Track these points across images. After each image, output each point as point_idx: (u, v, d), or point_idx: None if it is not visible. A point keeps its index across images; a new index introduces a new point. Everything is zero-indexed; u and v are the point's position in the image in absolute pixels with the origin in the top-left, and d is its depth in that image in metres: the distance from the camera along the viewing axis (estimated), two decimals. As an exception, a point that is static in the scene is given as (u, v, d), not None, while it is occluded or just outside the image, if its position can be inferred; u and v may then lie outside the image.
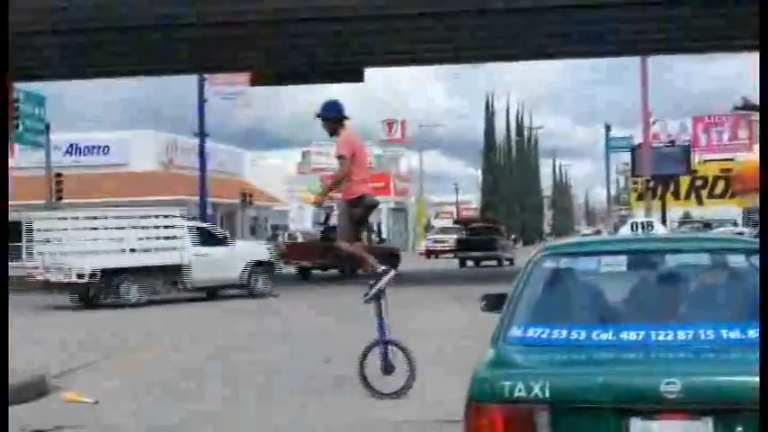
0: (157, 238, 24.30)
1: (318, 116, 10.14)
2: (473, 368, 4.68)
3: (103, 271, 23.02)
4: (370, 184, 10.58)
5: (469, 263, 45.23)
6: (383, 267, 9.98)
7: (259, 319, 20.36)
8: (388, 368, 9.89)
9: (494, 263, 44.76)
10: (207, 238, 25.56)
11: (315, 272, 36.11)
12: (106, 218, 24.62)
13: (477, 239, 45.37)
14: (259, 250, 27.47)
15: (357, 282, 30.41)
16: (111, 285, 23.27)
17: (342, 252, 10.21)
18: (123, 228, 24.11)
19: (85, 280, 22.94)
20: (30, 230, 24.54)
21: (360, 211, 10.04)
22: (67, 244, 23.60)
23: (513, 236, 55.36)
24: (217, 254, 24.99)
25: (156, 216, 25.22)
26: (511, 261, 44.54)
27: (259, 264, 25.96)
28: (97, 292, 23.43)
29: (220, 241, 26.06)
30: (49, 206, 43.11)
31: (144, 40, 27.21)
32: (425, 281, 33.88)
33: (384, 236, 49.75)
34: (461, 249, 46.10)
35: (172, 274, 24.00)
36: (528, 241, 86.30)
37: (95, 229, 23.92)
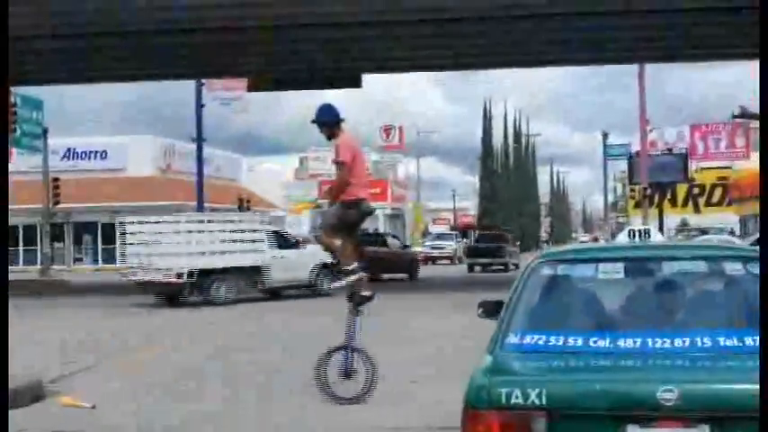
0: (242, 241, 25.98)
1: (314, 121, 10.04)
2: (470, 374, 4.69)
3: (200, 271, 24.49)
4: (368, 189, 10.53)
5: (476, 267, 46.92)
6: (355, 267, 9.93)
7: (259, 319, 20.43)
8: (348, 373, 9.79)
9: (500, 267, 45.95)
10: (282, 242, 27.49)
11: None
12: (200, 222, 26.68)
13: (486, 247, 47.56)
14: (324, 253, 28.20)
15: (385, 285, 30.67)
16: (204, 285, 24.67)
17: (333, 248, 10.12)
18: (213, 231, 25.75)
19: (184, 279, 24.27)
20: (123, 233, 26.28)
21: (354, 214, 9.98)
22: (166, 246, 24.94)
23: (518, 242, 56.97)
24: (290, 256, 26.87)
25: (241, 221, 27.57)
26: (516, 266, 45.23)
27: (325, 265, 26.96)
28: (190, 290, 24.74)
29: (293, 245, 27.99)
30: (46, 211, 43.19)
31: (143, 44, 27.25)
32: (430, 286, 33.87)
33: (407, 243, 50.24)
34: (472, 256, 48.07)
35: (253, 274, 25.77)
36: (525, 248, 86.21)
37: (190, 232, 25.45)
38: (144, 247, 25.12)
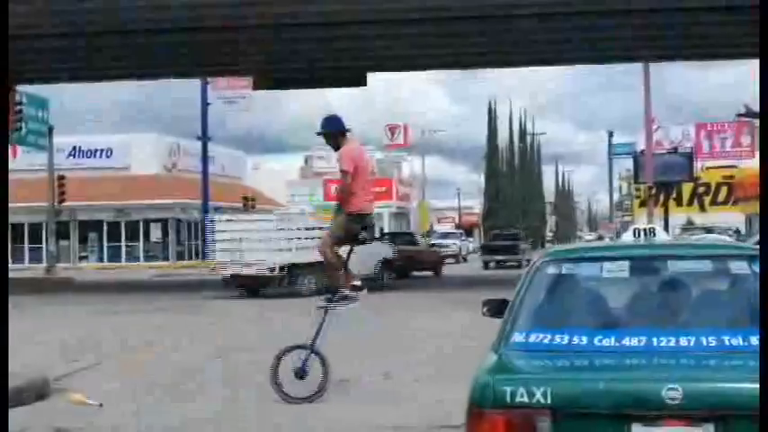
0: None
1: (320, 133, 10.16)
2: (474, 373, 4.68)
3: (290, 265, 26.51)
4: (372, 197, 10.41)
5: (491, 264, 49.82)
6: (348, 292, 9.95)
7: (259, 319, 20.42)
8: (302, 373, 9.90)
9: (515, 263, 47.65)
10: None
11: None
12: (289, 220, 29.27)
13: (501, 245, 50.79)
14: (386, 250, 31.87)
15: (412, 285, 31.05)
16: (292, 277, 26.66)
17: (334, 263, 10.07)
18: (300, 229, 28.18)
19: (275, 273, 26.29)
20: (213, 231, 28.38)
21: (357, 228, 10.05)
22: (260, 242, 27.03)
23: (531, 240, 62.28)
24: (361, 252, 28.29)
25: (322, 219, 30.14)
26: (529, 261, 45.89)
27: (386, 261, 30.64)
28: (279, 283, 26.64)
29: (362, 241, 29.09)
30: (51, 209, 43.23)
31: (146, 43, 27.26)
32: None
33: (432, 241, 52.23)
34: (487, 253, 51.28)
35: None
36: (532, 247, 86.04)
37: (281, 229, 27.72)
38: (236, 244, 27.17)
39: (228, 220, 28.83)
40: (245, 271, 26.48)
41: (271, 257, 26.37)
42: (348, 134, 10.15)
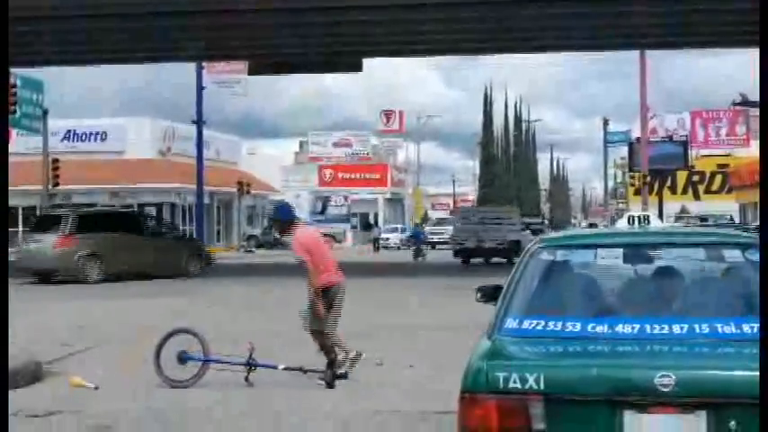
0: (514, 224, 41.00)
1: (271, 218, 10.78)
2: (468, 359, 4.69)
3: (509, 242, 37.82)
4: (333, 271, 10.49)
5: None
6: (342, 372, 10.12)
7: (265, 312, 20.39)
8: (184, 358, 10.25)
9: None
10: (523, 226, 43.86)
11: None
12: (509, 212, 43.46)
13: (532, 229, 61.84)
14: (530, 237, 43.95)
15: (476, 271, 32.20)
16: (514, 251, 35.10)
17: (326, 348, 10.27)
18: (509, 218, 41.29)
19: (504, 246, 37.73)
20: (464, 216, 42.79)
21: (324, 303, 10.27)
22: (495, 226, 39.77)
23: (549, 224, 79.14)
24: (526, 236, 39.93)
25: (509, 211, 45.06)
26: None
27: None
28: (501, 254, 38.15)
29: (524, 228, 43.82)
30: (45, 192, 43.14)
31: (144, 26, 27.18)
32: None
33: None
34: None
35: (515, 246, 36.68)
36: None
37: (500, 217, 41.28)
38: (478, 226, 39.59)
39: (476, 212, 44.54)
40: (482, 245, 38.21)
41: (502, 236, 38.47)
42: (296, 222, 10.67)
